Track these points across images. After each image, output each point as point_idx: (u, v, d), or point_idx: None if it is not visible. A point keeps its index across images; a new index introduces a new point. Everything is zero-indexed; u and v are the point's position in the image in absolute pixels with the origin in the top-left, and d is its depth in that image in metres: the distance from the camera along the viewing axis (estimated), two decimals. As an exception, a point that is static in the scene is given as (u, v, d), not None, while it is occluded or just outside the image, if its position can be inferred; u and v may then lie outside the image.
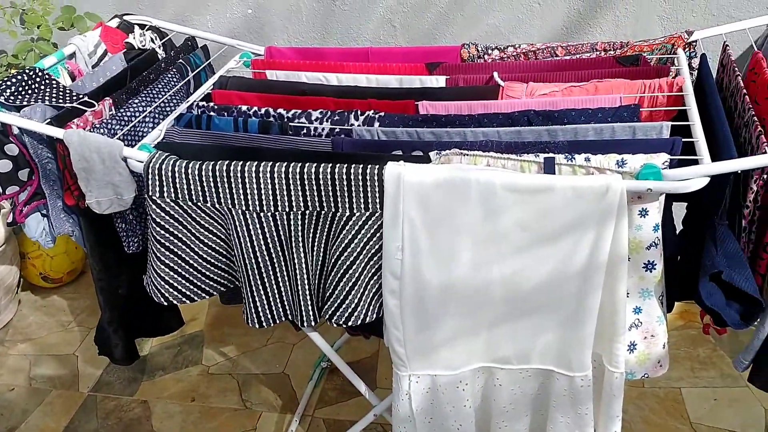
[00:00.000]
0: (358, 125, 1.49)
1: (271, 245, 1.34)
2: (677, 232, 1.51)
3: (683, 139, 1.26)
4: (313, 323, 1.41)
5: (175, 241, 1.38)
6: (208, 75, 1.84)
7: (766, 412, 2.00)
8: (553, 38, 2.11)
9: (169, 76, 1.69)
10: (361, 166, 1.25)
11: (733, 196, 1.27)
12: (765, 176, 1.24)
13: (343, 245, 1.30)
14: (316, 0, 2.23)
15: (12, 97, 1.49)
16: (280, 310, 1.41)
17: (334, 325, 1.37)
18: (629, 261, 1.24)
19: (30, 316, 2.69)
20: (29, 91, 1.53)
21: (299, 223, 1.32)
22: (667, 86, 1.45)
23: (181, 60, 1.77)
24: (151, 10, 2.32)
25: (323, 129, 1.49)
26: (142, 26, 1.87)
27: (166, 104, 1.62)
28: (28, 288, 2.82)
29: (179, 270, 1.41)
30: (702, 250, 1.29)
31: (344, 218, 1.29)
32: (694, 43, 1.64)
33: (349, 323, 1.35)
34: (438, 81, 1.65)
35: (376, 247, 1.30)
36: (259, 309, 1.40)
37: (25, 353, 2.48)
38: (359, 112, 1.50)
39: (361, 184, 1.26)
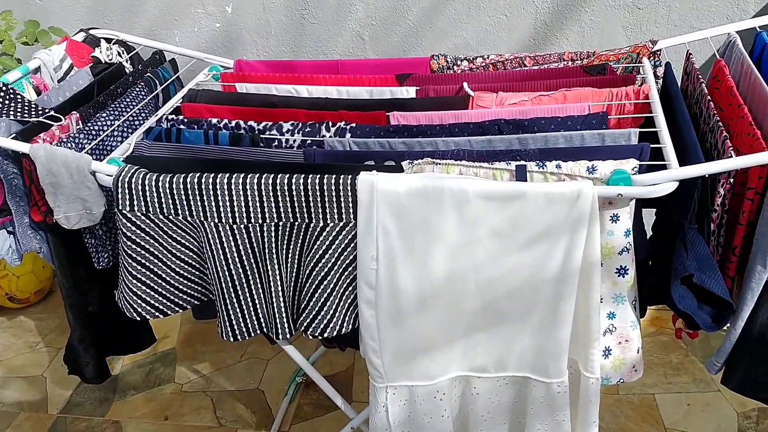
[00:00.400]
0: (330, 136, 1.48)
1: (244, 257, 1.33)
2: (647, 237, 1.53)
3: (651, 145, 1.28)
4: (288, 336, 1.39)
5: (147, 255, 1.36)
6: (176, 88, 1.82)
7: (738, 415, 2.03)
8: (520, 49, 2.14)
9: (137, 89, 1.67)
10: (334, 176, 1.25)
11: (701, 200, 1.29)
12: (731, 180, 1.26)
13: (317, 256, 1.30)
14: (284, 14, 2.23)
15: (-25, 113, 1.46)
16: (255, 323, 1.40)
17: (310, 337, 1.36)
18: (602, 266, 1.25)
19: (-4, 338, 2.63)
20: (-7, 106, 1.50)
21: (273, 234, 1.31)
22: (634, 94, 1.47)
23: (149, 73, 1.75)
24: (118, 25, 2.31)
25: (294, 141, 1.49)
26: (108, 40, 1.85)
27: (135, 118, 1.60)
28: (-7, 309, 2.76)
29: (151, 284, 1.38)
30: (671, 256, 1.31)
31: (318, 229, 1.28)
32: (659, 52, 1.67)
33: (325, 335, 1.34)
34: (408, 92, 1.66)
35: (351, 257, 1.29)
36: (234, 322, 1.39)
37: (-9, 376, 2.43)
38: (330, 124, 1.50)
39: (334, 194, 1.25)
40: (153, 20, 2.30)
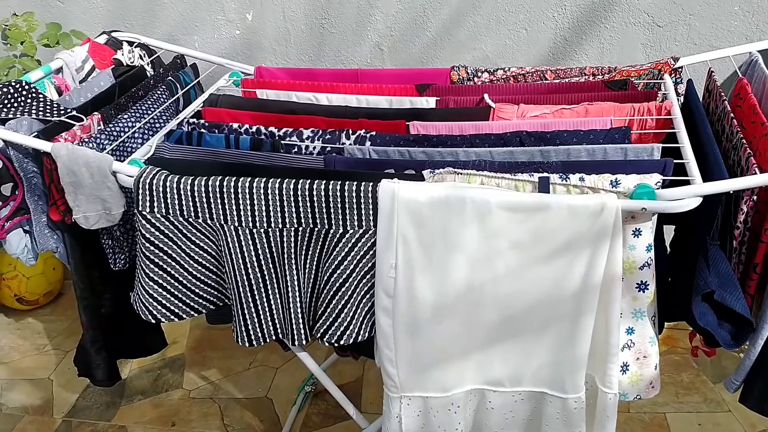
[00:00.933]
0: (350, 144, 1.48)
1: (263, 262, 1.33)
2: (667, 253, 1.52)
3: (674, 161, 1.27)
4: (304, 342, 1.39)
5: (165, 257, 1.36)
6: (197, 93, 1.83)
7: (748, 436, 2.01)
8: (539, 64, 2.14)
9: (159, 92, 1.67)
10: (355, 183, 1.25)
11: (724, 217, 1.28)
12: (755, 197, 1.25)
13: (335, 263, 1.29)
14: (304, 23, 2.24)
15: (-3, 110, 1.47)
16: (271, 328, 1.39)
17: (326, 344, 1.35)
18: (622, 281, 1.24)
19: (3, 339, 2.61)
20: (15, 104, 1.50)
21: (292, 240, 1.31)
22: (656, 110, 1.47)
23: (170, 77, 1.76)
24: (139, 29, 2.31)
25: (314, 147, 1.49)
26: (130, 43, 1.86)
27: (156, 120, 1.61)
28: (1, 310, 2.74)
29: (168, 287, 1.38)
30: (691, 272, 1.30)
31: (337, 236, 1.28)
32: (680, 70, 1.67)
33: (341, 342, 1.33)
34: (428, 102, 1.66)
35: (369, 264, 1.29)
36: (250, 327, 1.38)
37: (-3, 377, 2.42)
38: (351, 131, 1.50)
39: (354, 201, 1.25)
40: (173, 25, 2.31)
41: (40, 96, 1.55)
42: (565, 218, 1.18)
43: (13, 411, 2.26)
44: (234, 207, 1.29)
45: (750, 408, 1.38)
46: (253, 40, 2.29)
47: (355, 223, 1.27)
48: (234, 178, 1.28)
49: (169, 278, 1.38)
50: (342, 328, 1.33)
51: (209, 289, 1.42)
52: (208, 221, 1.32)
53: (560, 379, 1.31)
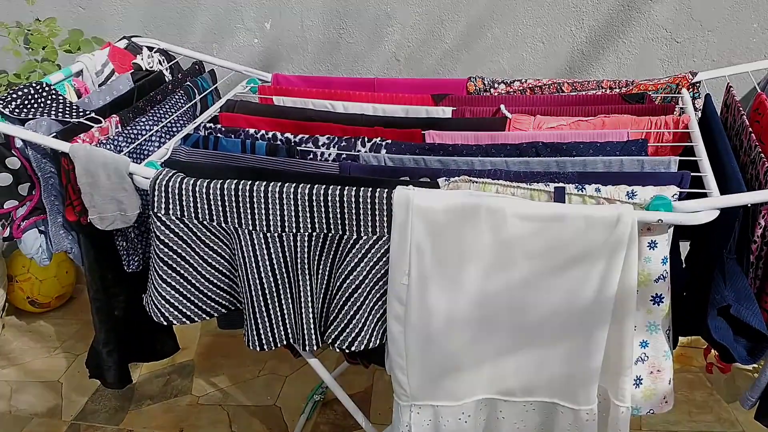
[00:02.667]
0: (365, 152, 1.49)
1: (276, 266, 1.33)
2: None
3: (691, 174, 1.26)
4: (315, 347, 1.38)
5: (178, 259, 1.36)
6: (214, 99, 1.84)
7: (763, 457, 1.98)
8: (557, 77, 2.14)
9: (176, 97, 1.69)
10: (370, 189, 1.25)
11: (741, 231, 1.27)
12: (773, 212, 1.24)
13: (348, 269, 1.29)
14: (322, 33, 2.26)
15: (17, 110, 1.48)
16: (282, 333, 1.39)
17: (337, 350, 1.35)
18: (637, 293, 1.23)
19: (14, 341, 2.62)
20: (35, 105, 1.52)
21: (305, 244, 1.31)
22: (674, 123, 1.46)
23: (188, 82, 1.77)
24: (158, 36, 2.33)
25: (330, 154, 1.49)
26: (150, 48, 1.88)
27: (173, 125, 1.62)
28: (12, 312, 2.76)
29: (181, 290, 1.38)
30: (706, 286, 1.29)
31: (351, 241, 1.28)
32: (698, 84, 1.67)
33: (352, 348, 1.33)
34: (444, 112, 1.66)
35: (382, 271, 1.28)
36: (261, 331, 1.38)
37: (7, 379, 2.41)
38: (366, 139, 1.50)
39: (369, 207, 1.25)
40: (192, 32, 2.33)
41: (60, 98, 1.56)
42: (580, 229, 1.17)
43: (22, 413, 2.27)
44: (248, 211, 1.29)
45: (765, 425, 1.36)
46: (271, 48, 2.31)
47: (369, 230, 1.27)
48: (249, 182, 1.28)
49: (182, 281, 1.38)
50: (353, 335, 1.32)
51: (222, 293, 1.42)
52: (223, 224, 1.33)
53: (573, 390, 1.29)
